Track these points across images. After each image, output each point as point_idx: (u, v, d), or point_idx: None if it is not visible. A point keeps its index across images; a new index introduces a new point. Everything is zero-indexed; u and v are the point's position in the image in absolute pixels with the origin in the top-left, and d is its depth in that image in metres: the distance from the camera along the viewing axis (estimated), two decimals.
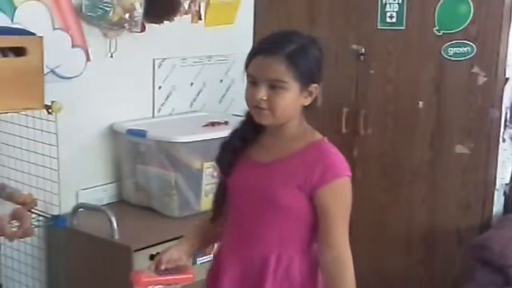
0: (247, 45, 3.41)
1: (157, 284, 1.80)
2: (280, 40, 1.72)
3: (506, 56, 2.86)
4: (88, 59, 2.69)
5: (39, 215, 2.36)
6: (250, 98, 1.71)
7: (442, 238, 3.07)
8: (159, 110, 3.05)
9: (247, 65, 1.74)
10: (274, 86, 1.68)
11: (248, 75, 1.72)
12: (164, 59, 3.02)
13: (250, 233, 1.78)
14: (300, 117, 1.78)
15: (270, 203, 1.74)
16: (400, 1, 3.00)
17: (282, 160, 1.75)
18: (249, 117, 1.80)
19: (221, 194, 1.86)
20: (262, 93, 1.68)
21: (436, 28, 2.93)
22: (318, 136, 1.81)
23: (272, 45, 1.70)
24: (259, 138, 1.81)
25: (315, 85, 1.75)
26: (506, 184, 3.05)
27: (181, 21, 2.98)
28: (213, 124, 2.87)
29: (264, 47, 1.72)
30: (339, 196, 1.75)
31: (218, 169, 1.88)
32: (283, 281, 1.76)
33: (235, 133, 1.84)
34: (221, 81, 3.33)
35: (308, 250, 1.80)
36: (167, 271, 1.81)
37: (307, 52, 1.73)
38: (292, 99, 1.70)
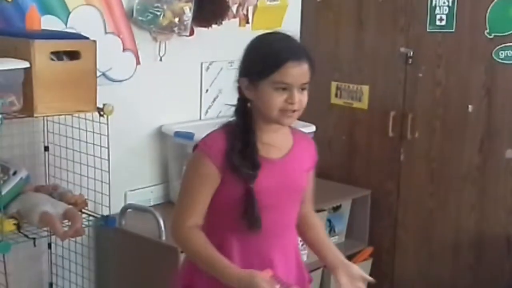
0: None
1: None
2: (299, 44, 1.79)
3: None
4: (138, 62, 2.74)
5: (90, 215, 2.42)
6: (282, 103, 1.71)
7: (491, 245, 3.01)
8: (206, 112, 3.08)
9: (271, 72, 1.70)
10: (303, 88, 1.74)
11: (276, 82, 1.70)
12: (212, 62, 3.05)
13: (284, 226, 1.85)
14: None
15: (297, 192, 1.87)
16: (450, 4, 2.96)
17: (291, 152, 1.85)
18: (244, 119, 1.78)
19: (251, 201, 1.76)
20: (298, 97, 1.72)
21: (487, 30, 2.88)
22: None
23: (299, 51, 1.74)
24: (259, 138, 1.79)
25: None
26: None
27: (229, 24, 3.00)
28: None
29: (294, 53, 1.72)
30: None
31: (242, 178, 1.74)
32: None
33: (246, 135, 1.77)
34: None
35: None
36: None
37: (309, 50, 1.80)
38: None
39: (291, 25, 3.40)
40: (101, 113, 2.30)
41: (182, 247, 1.86)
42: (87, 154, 2.47)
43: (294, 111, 1.73)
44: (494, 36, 2.87)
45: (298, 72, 1.71)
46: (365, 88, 3.29)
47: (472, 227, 3.05)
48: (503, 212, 2.96)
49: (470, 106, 2.98)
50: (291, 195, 1.85)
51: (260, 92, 1.73)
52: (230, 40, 3.10)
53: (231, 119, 1.82)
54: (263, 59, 1.73)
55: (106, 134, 2.33)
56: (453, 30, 2.98)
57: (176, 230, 1.80)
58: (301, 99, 1.73)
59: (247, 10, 3.12)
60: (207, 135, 1.81)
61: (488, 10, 2.86)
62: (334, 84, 3.40)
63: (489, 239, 3.02)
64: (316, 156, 1.94)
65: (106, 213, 2.41)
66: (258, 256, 1.80)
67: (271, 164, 1.80)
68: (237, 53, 3.11)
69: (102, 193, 2.41)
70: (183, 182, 1.82)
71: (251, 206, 1.75)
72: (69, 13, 2.49)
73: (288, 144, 1.85)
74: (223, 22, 2.90)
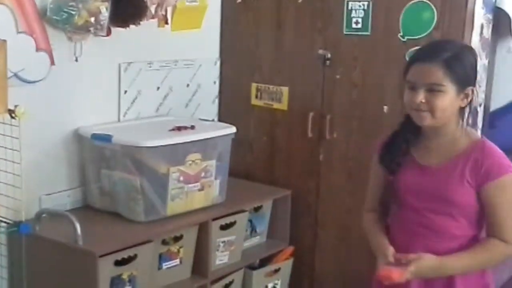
0: (214, 50, 3.49)
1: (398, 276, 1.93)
2: (436, 48, 1.96)
3: None
4: (52, 62, 2.66)
5: (2, 221, 2.33)
6: (409, 101, 1.94)
7: None
8: (125, 114, 3.03)
9: (405, 73, 1.96)
10: (432, 89, 1.90)
11: (407, 81, 1.94)
12: (130, 63, 3.00)
13: (427, 228, 2.02)
14: (458, 118, 1.99)
15: (447, 202, 1.97)
16: (365, 7, 3.04)
17: (451, 162, 1.97)
18: (408, 120, 2.02)
19: (389, 191, 2.13)
20: (421, 96, 1.90)
21: (401, 34, 2.97)
22: (477, 135, 2.09)
23: (429, 53, 1.94)
24: (419, 140, 2.05)
25: (471, 87, 1.96)
26: None
27: (148, 25, 2.96)
28: (179, 128, 2.86)
29: (422, 55, 1.96)
30: (508, 192, 1.94)
31: (382, 168, 2.10)
32: None
33: (397, 135, 2.07)
34: (188, 85, 3.33)
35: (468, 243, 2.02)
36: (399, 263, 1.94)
37: (462, 58, 1.94)
38: (450, 100, 1.92)
39: (211, 25, 3.41)
40: (12, 115, 2.23)
41: (364, 228, 2.22)
42: None
43: (422, 111, 1.92)
44: (407, 39, 2.97)
45: (420, 70, 1.91)
46: (285, 90, 3.33)
47: None
48: None
49: (385, 107, 3.07)
50: (440, 202, 1.97)
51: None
52: (149, 40, 3.07)
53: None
54: (407, 63, 2.00)
55: (18, 137, 2.25)
56: (368, 33, 3.05)
57: (363, 216, 2.23)
58: (430, 100, 1.90)
59: (166, 11, 3.08)
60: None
61: (402, 14, 2.95)
62: (254, 85, 3.43)
63: None
64: (491, 171, 1.93)
65: (19, 219, 2.33)
66: (402, 242, 2.04)
67: (423, 169, 2.01)
68: (157, 54, 3.14)
69: (14, 198, 2.33)
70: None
71: (387, 195, 2.11)
72: None
73: (451, 152, 1.98)
74: (141, 23, 2.85)
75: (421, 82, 1.91)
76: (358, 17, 3.07)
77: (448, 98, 1.91)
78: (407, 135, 2.05)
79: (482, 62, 3.08)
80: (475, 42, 2.94)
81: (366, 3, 3.03)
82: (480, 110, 3.20)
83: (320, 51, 3.19)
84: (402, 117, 2.11)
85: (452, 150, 1.98)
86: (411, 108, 1.95)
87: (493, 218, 1.96)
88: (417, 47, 2.92)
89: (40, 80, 2.63)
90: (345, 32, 3.11)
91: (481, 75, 3.13)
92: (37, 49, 2.60)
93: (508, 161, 1.97)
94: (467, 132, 2.02)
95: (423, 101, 1.91)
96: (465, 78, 1.93)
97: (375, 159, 2.16)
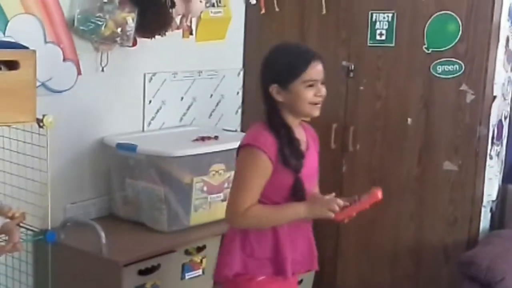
0: (238, 61, 3.49)
1: (353, 212, 2.10)
2: (307, 47, 2.19)
3: (493, 74, 2.91)
4: (79, 72, 2.69)
5: (28, 229, 2.35)
6: (312, 97, 2.06)
7: (428, 254, 3.09)
8: (149, 124, 3.05)
9: (301, 72, 2.04)
10: (323, 83, 2.09)
11: (307, 80, 2.05)
12: (155, 73, 3.03)
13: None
14: None
15: (317, 176, 2.23)
16: (390, 19, 3.04)
17: (307, 142, 2.18)
18: (279, 120, 2.08)
19: (300, 186, 2.10)
20: (323, 90, 2.08)
21: (425, 45, 2.96)
22: None
23: (313, 52, 2.10)
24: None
25: None
26: (493, 201, 3.08)
27: (173, 36, 2.99)
28: (203, 138, 2.87)
29: (311, 54, 2.08)
30: None
31: (291, 169, 2.06)
32: None
33: (285, 134, 2.07)
34: (211, 96, 3.34)
35: None
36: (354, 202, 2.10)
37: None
38: None
39: (235, 36, 3.43)
40: (41, 124, 2.25)
41: (245, 225, 2.09)
42: (25, 166, 2.41)
43: (319, 103, 2.08)
44: (432, 51, 2.96)
45: (319, 68, 2.08)
46: None
47: (410, 236, 3.12)
48: (440, 222, 3.05)
49: (409, 119, 3.06)
50: (315, 179, 2.21)
51: (292, 92, 2.06)
52: (173, 51, 3.09)
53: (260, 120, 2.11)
54: (290, 64, 2.06)
55: (46, 145, 2.27)
56: (392, 45, 3.05)
57: (234, 214, 2.07)
58: (324, 92, 2.09)
59: (191, 22, 3.11)
60: (252, 134, 2.09)
61: (426, 26, 2.95)
62: None
63: (426, 248, 3.10)
64: (318, 138, 2.26)
65: (45, 227, 2.35)
66: (300, 233, 2.17)
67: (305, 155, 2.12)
68: (181, 64, 3.15)
69: (41, 207, 2.35)
70: (237, 174, 2.10)
71: (300, 191, 2.08)
72: (8, 21, 2.43)
73: (304, 136, 2.17)
74: (167, 33, 2.88)
75: (320, 78, 2.08)
76: (382, 28, 3.06)
77: None
78: (291, 132, 2.10)
79: (507, 74, 3.07)
80: (500, 54, 2.92)
81: (390, 14, 3.03)
82: (505, 123, 3.18)
83: (344, 63, 3.19)
84: (264, 117, 2.12)
85: (303, 134, 2.17)
86: (312, 103, 2.07)
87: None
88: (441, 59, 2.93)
89: (67, 90, 2.66)
90: (369, 44, 3.11)
91: (507, 88, 3.11)
92: (65, 59, 2.63)
93: None
94: None
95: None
96: None
97: (265, 165, 2.03)
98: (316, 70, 2.07)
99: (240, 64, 3.50)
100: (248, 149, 2.05)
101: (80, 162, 2.79)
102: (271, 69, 2.10)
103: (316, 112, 2.11)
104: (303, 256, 2.21)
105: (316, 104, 2.09)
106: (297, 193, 2.09)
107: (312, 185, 2.18)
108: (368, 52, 3.12)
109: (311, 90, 2.06)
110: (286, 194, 2.09)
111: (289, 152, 2.06)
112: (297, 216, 2.08)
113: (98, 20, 2.61)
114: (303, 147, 2.13)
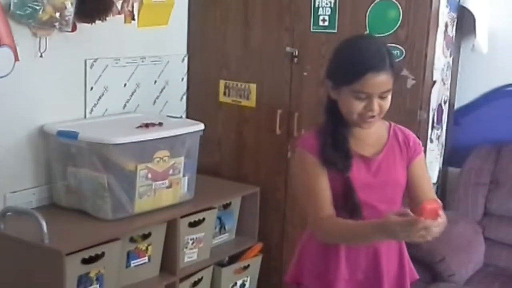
0: (182, 47, 3.47)
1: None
2: (382, 52, 1.84)
3: (433, 60, 2.96)
4: (16, 58, 2.60)
5: None
6: (361, 111, 1.83)
7: None
8: (91, 111, 3.00)
9: (352, 80, 1.81)
10: (383, 96, 1.84)
11: (358, 91, 1.81)
12: (96, 59, 2.97)
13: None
14: None
15: (394, 189, 1.93)
16: (332, 5, 3.06)
17: (385, 148, 1.94)
18: (335, 112, 1.89)
19: (350, 190, 1.88)
20: (376, 105, 1.83)
21: (367, 31, 3.00)
22: (386, 120, 2.00)
23: (380, 61, 1.82)
24: (350, 132, 1.92)
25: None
26: (434, 184, 3.16)
27: (114, 21, 2.93)
28: (147, 125, 2.84)
29: (372, 64, 1.81)
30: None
31: (338, 171, 1.87)
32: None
33: (335, 132, 1.89)
34: (155, 82, 3.31)
35: None
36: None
37: (392, 52, 1.91)
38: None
39: (178, 22, 3.39)
40: None
41: (328, 239, 1.92)
42: None
43: (373, 116, 1.84)
44: None
45: (377, 82, 1.80)
46: (253, 87, 3.34)
47: None
48: None
49: None
50: (389, 192, 1.92)
51: (341, 96, 1.86)
52: (115, 36, 3.04)
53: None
54: (345, 68, 1.84)
55: None
56: (335, 31, 3.08)
57: (316, 227, 1.90)
58: (382, 105, 1.84)
59: (133, 7, 3.06)
60: (301, 136, 1.93)
61: (368, 12, 2.99)
62: (222, 82, 3.42)
63: None
64: (417, 147, 1.98)
65: None
66: (363, 247, 1.93)
67: (366, 161, 1.91)
68: (123, 50, 3.11)
69: None
70: (300, 182, 1.94)
71: (350, 195, 1.86)
72: None
73: (382, 140, 1.95)
74: (107, 18, 2.82)
75: (377, 92, 1.82)
76: (325, 14, 3.09)
77: (390, 97, 1.88)
78: (345, 131, 1.91)
79: (446, 60, 3.14)
80: (439, 40, 2.98)
81: (332, 0, 3.05)
82: (445, 108, 3.26)
83: (288, 48, 3.20)
84: (324, 111, 1.97)
85: (382, 137, 1.95)
86: (361, 115, 1.84)
87: (422, 189, 1.95)
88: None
89: (4, 76, 2.58)
90: (312, 30, 3.13)
91: (446, 73, 3.19)
92: (1, 45, 2.55)
93: None
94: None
95: (377, 108, 1.84)
96: (396, 71, 1.91)
97: (313, 161, 1.89)
98: (372, 83, 1.79)
99: (184, 50, 3.47)
100: (296, 151, 1.97)
101: (20, 150, 2.72)
102: (331, 63, 1.91)
103: (365, 126, 1.88)
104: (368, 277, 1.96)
105: (365, 117, 1.84)
106: (348, 200, 1.86)
107: (381, 200, 1.90)
108: (311, 37, 3.14)
109: (361, 103, 1.82)
110: (340, 202, 1.87)
111: (330, 149, 1.86)
112: (369, 237, 1.82)
113: (35, 5, 2.54)
114: (367, 152, 1.91)
